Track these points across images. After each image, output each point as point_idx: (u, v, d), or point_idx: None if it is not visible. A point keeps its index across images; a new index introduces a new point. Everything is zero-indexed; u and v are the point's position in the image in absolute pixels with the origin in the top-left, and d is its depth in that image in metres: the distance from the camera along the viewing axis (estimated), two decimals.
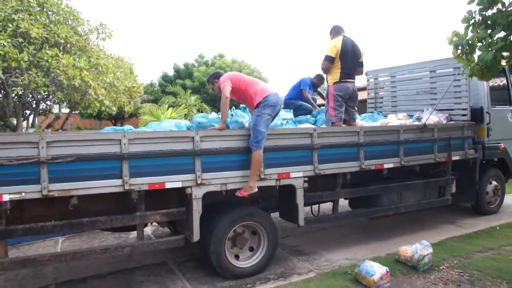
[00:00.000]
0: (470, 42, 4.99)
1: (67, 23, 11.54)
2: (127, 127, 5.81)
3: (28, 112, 13.87)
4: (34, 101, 12.72)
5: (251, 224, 5.27)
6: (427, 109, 7.36)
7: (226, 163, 4.95)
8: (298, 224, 5.54)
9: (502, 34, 4.74)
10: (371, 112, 8.24)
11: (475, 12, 4.95)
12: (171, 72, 28.00)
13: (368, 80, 9.13)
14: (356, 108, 6.55)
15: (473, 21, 4.98)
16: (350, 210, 6.85)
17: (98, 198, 4.60)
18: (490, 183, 7.86)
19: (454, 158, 6.90)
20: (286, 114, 6.81)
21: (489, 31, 4.86)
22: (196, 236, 4.85)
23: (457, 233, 6.77)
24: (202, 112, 18.10)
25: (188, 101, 18.76)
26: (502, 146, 7.77)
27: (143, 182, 4.57)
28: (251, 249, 5.39)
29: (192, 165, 4.78)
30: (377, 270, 4.76)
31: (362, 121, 7.14)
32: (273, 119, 5.26)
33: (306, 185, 5.38)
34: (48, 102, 14.52)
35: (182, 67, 27.49)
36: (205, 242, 5.06)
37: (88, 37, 12.04)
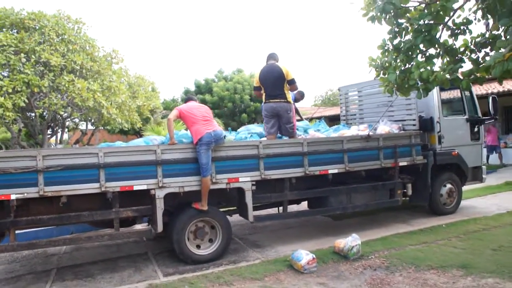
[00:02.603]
0: (383, 65, 6.04)
1: (84, 50, 13.08)
2: (118, 142, 7.19)
3: (57, 129, 15.59)
4: (60, 120, 14.34)
5: (207, 219, 6.43)
6: (382, 121, 8.35)
7: (182, 170, 6.17)
8: (249, 220, 6.65)
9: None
10: (339, 125, 9.23)
11: (388, 40, 6.00)
12: (192, 88, 29.55)
13: (340, 95, 10.17)
14: (291, 125, 7.37)
15: (386, 47, 6.04)
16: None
17: (86, 198, 5.96)
18: (445, 186, 8.68)
19: (402, 164, 7.83)
20: (256, 128, 7.99)
21: (394, 56, 5.91)
22: (159, 228, 6.07)
23: (403, 230, 7.67)
24: None
25: None
26: (456, 152, 8.63)
27: (116, 185, 5.89)
28: (211, 240, 6.54)
29: (155, 172, 6.03)
30: (304, 257, 5.81)
31: (319, 133, 8.13)
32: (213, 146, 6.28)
33: (254, 188, 6.50)
34: (76, 120, 16.27)
35: (202, 82, 29.00)
36: (171, 234, 6.27)
37: (101, 62, 13.51)
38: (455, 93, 9.11)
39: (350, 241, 6.25)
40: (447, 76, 5.54)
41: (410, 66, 5.78)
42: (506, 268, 5.49)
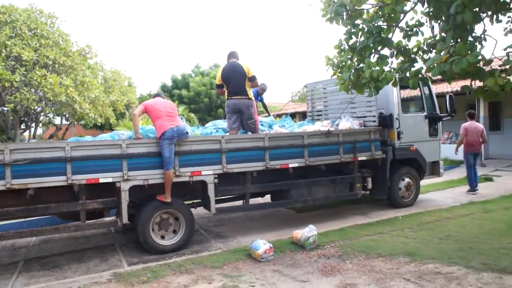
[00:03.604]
0: (338, 64, 6.37)
1: (57, 44, 13.15)
2: (87, 137, 7.38)
3: (30, 124, 15.61)
4: (33, 115, 14.37)
5: (171, 211, 6.70)
6: (344, 117, 8.71)
7: (146, 164, 6.41)
8: (211, 212, 6.95)
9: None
10: (303, 121, 9.57)
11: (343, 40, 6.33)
12: (169, 83, 29.67)
13: (306, 92, 10.51)
14: (253, 120, 7.62)
15: (342, 47, 6.37)
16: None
17: (54, 191, 6.20)
18: (403, 179, 9.12)
19: (361, 158, 8.20)
20: (223, 124, 8.25)
21: (349, 55, 6.24)
22: (124, 219, 6.32)
23: (361, 222, 8.06)
24: (189, 121, 19.57)
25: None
26: (414, 147, 9.06)
27: (82, 178, 6.10)
28: (175, 231, 6.80)
29: (121, 165, 6.26)
30: (262, 246, 6.12)
31: (284, 128, 8.46)
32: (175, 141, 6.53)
33: (216, 181, 6.78)
34: (51, 115, 16.31)
35: (179, 77, 29.15)
36: (136, 225, 6.52)
37: (75, 57, 13.59)
38: (415, 91, 9.51)
39: (307, 232, 6.58)
40: (396, 75, 5.91)
41: (363, 65, 6.11)
42: (447, 255, 5.92)
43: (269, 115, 10.13)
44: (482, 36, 5.13)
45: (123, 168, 6.26)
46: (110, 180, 6.23)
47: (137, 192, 6.57)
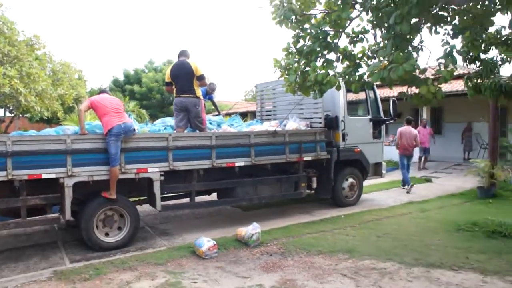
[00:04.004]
0: (286, 67, 6.53)
1: (1, 33, 12.68)
2: (31, 131, 7.20)
3: None
4: None
5: (116, 208, 6.66)
6: (292, 118, 8.91)
7: (92, 160, 6.34)
8: (157, 209, 6.97)
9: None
10: (252, 121, 9.72)
11: (292, 43, 6.50)
12: (121, 77, 29.15)
13: (256, 92, 10.67)
14: (200, 119, 7.66)
15: (290, 50, 6.54)
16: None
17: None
18: (347, 180, 9.44)
19: (306, 158, 8.43)
20: (172, 121, 8.25)
21: (296, 58, 6.42)
22: (67, 216, 6.23)
23: (305, 220, 8.30)
24: (140, 117, 19.35)
25: (127, 107, 19.95)
26: (358, 149, 9.40)
27: (23, 174, 5.95)
28: (120, 228, 6.77)
29: (65, 161, 6.16)
30: (206, 243, 6.21)
31: (232, 127, 8.54)
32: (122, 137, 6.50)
33: (162, 178, 6.80)
34: None
35: (132, 72, 28.69)
36: (79, 222, 6.45)
37: (20, 47, 13.16)
38: (361, 95, 9.84)
39: (251, 229, 6.72)
40: (340, 79, 6.14)
41: (309, 68, 6.31)
42: (383, 252, 6.24)
43: (219, 113, 10.22)
44: (420, 46, 5.45)
45: (67, 164, 6.15)
46: (53, 176, 6.12)
47: (82, 188, 6.47)
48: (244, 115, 21.61)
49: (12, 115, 17.29)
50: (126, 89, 27.79)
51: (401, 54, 4.80)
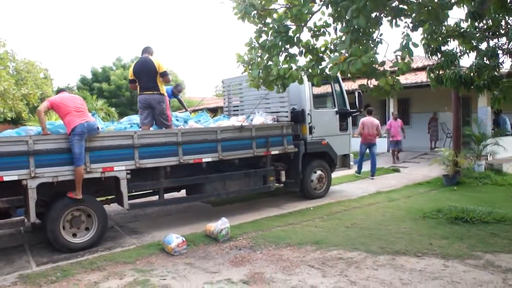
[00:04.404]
0: (249, 61, 6.56)
1: None
2: None
3: None
4: None
5: (83, 208, 6.58)
6: (258, 112, 8.96)
7: (56, 160, 6.24)
8: (124, 208, 6.93)
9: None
10: (219, 116, 9.73)
11: (254, 38, 6.52)
12: (89, 75, 28.69)
13: (223, 87, 10.68)
14: (165, 116, 7.65)
15: (252, 45, 6.56)
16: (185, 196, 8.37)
17: None
18: (315, 172, 9.56)
19: (274, 152, 8.50)
20: (138, 119, 8.19)
21: (259, 53, 6.45)
22: (32, 218, 6.13)
23: (275, 213, 8.38)
24: (109, 116, 19.12)
25: (95, 106, 19.68)
26: (325, 141, 9.52)
27: None
28: (87, 228, 6.70)
29: (27, 162, 6.05)
30: (175, 240, 6.21)
31: (199, 123, 8.54)
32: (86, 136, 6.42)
33: (129, 176, 6.77)
34: None
35: (100, 70, 28.28)
36: (45, 223, 6.36)
37: None
38: (327, 88, 9.97)
39: (220, 224, 6.75)
40: (302, 73, 6.20)
41: (271, 63, 6.35)
42: (350, 241, 6.37)
43: (186, 110, 10.19)
44: (379, 39, 5.55)
45: (30, 165, 6.05)
46: (15, 178, 6.00)
47: (46, 189, 6.38)
48: (214, 111, 21.58)
49: None
50: (94, 87, 27.41)
51: (360, 47, 4.89)
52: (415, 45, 4.81)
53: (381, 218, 7.81)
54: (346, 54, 5.13)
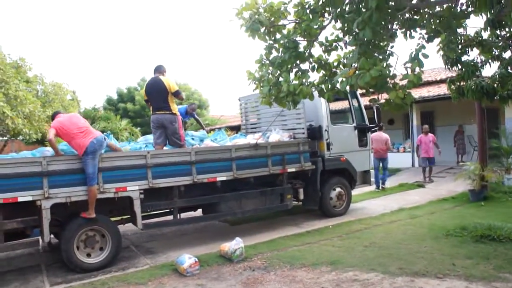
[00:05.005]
0: (260, 78, 6.49)
1: None
2: (11, 154, 7.18)
3: None
4: None
5: (97, 228, 6.57)
6: (275, 129, 8.86)
7: (69, 181, 6.27)
8: (138, 228, 6.89)
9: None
10: (236, 134, 9.67)
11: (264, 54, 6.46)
12: (115, 96, 29.21)
13: (240, 105, 10.63)
14: (177, 135, 7.62)
15: (263, 62, 6.51)
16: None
17: None
18: (334, 189, 9.34)
19: (290, 170, 8.35)
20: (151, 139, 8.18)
21: (269, 70, 6.38)
22: (46, 238, 6.17)
23: (292, 232, 8.19)
24: (133, 135, 19.33)
25: (118, 126, 19.98)
26: (344, 158, 9.32)
27: None
28: (102, 249, 6.68)
29: (41, 183, 6.10)
30: (187, 260, 6.11)
31: (215, 142, 8.46)
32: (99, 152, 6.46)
33: (142, 196, 6.73)
34: None
35: (125, 91, 28.74)
36: (60, 243, 6.37)
37: (6, 70, 13.17)
38: (345, 104, 9.81)
39: (234, 244, 6.62)
40: (313, 89, 6.10)
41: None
42: (367, 262, 6.13)
43: (203, 129, 10.16)
44: (389, 51, 5.41)
45: (43, 186, 6.09)
46: (30, 198, 6.05)
47: (61, 210, 6.41)
48: (235, 129, 21.55)
49: (3, 138, 17.30)
50: (119, 108, 27.85)
51: (368, 60, 4.76)
52: (425, 56, 4.64)
53: (401, 236, 7.53)
54: (355, 68, 5.02)
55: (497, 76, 7.50)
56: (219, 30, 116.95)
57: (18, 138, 20.59)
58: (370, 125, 9.94)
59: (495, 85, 7.60)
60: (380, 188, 13.07)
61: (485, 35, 7.25)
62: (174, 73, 79.01)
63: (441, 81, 15.90)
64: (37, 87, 19.61)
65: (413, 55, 4.68)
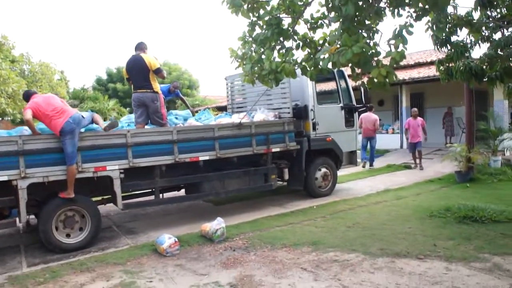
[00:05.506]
0: (243, 56, 6.32)
1: None
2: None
3: None
4: None
5: (76, 208, 6.46)
6: (260, 109, 8.73)
7: (46, 160, 6.12)
8: (119, 208, 6.79)
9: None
10: (221, 114, 9.53)
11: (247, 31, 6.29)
12: (104, 76, 28.84)
13: (227, 85, 10.47)
14: (159, 114, 7.47)
15: (246, 39, 6.33)
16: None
17: None
18: (320, 170, 9.27)
19: (275, 150, 8.25)
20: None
21: (253, 48, 6.22)
22: (23, 219, 6.06)
23: (276, 212, 8.14)
24: (121, 115, 19.12)
25: (106, 106, 19.73)
26: (330, 138, 9.23)
27: None
28: (81, 229, 6.57)
29: (17, 162, 5.95)
30: (167, 240, 6.03)
31: (200, 122, 8.32)
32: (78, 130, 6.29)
33: (122, 176, 6.61)
34: None
35: (114, 71, 28.39)
36: (38, 224, 6.26)
37: None
38: (332, 84, 9.67)
39: (215, 224, 6.54)
40: (295, 67, 5.94)
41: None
42: (349, 243, 6.08)
43: (189, 108, 9.99)
44: (374, 28, 5.27)
45: (20, 166, 5.94)
46: (5, 178, 5.91)
47: (39, 189, 6.28)
48: (224, 109, 21.39)
49: None
50: (109, 88, 27.51)
51: (350, 37, 4.62)
52: (410, 33, 4.51)
53: (385, 217, 7.49)
54: (338, 45, 4.88)
55: (485, 57, 7.40)
56: (210, 10, 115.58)
57: (6, 119, 20.33)
58: (357, 106, 9.83)
59: (484, 66, 7.50)
60: (368, 167, 13.50)
61: (476, 15, 7.12)
62: (164, 53, 78.34)
63: (432, 63, 15.80)
64: (23, 66, 19.31)
65: (397, 32, 4.55)
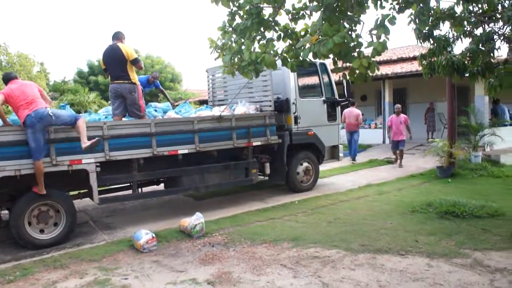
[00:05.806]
0: (223, 47, 6.17)
1: None
2: None
3: None
4: None
5: (50, 203, 6.24)
6: (241, 102, 8.58)
7: (17, 153, 5.87)
8: (95, 202, 6.59)
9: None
10: (202, 107, 9.35)
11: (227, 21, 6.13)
12: (85, 69, 28.35)
13: (207, 77, 10.29)
14: (137, 106, 7.27)
15: (226, 29, 6.18)
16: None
17: None
18: (301, 164, 9.17)
19: (256, 143, 8.11)
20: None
21: (233, 38, 6.07)
22: None
23: (256, 207, 8.02)
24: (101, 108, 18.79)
25: (87, 99, 19.37)
26: (312, 132, 9.12)
27: None
28: (56, 224, 6.36)
29: None
30: (144, 236, 5.87)
31: (179, 114, 8.13)
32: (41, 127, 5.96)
33: (98, 169, 6.41)
34: None
35: (96, 63, 27.90)
36: (9, 219, 6.04)
37: None
38: (315, 78, 9.56)
39: (194, 219, 6.39)
40: (276, 58, 5.81)
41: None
42: (330, 238, 5.98)
43: (169, 101, 9.80)
44: (356, 18, 5.16)
45: None
46: None
47: (12, 183, 6.04)
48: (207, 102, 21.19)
49: None
50: (90, 81, 27.05)
51: (331, 26, 4.50)
52: (392, 23, 4.40)
53: (367, 212, 7.41)
54: (320, 35, 4.76)
55: (467, 52, 7.36)
56: (193, 1, 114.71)
57: None
58: (340, 100, 9.74)
59: (466, 61, 7.46)
60: (351, 162, 13.62)
61: (458, 10, 7.07)
62: (147, 45, 77.52)
63: (414, 58, 15.78)
64: (0, 57, 18.88)
65: (379, 22, 4.44)
